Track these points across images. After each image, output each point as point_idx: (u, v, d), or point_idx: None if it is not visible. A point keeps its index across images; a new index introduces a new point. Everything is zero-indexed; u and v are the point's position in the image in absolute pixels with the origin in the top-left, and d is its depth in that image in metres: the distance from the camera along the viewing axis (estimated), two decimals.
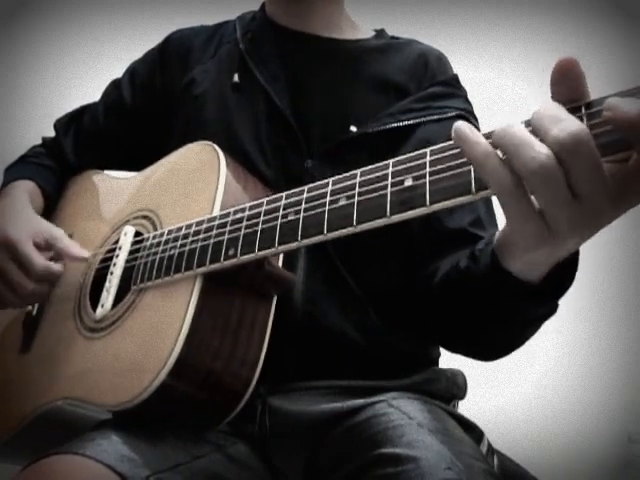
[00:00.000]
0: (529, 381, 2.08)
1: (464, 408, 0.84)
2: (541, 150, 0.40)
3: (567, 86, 0.42)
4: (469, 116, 0.86)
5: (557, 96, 0.43)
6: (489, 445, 0.76)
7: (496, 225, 0.80)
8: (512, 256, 0.53)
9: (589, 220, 0.41)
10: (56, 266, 0.79)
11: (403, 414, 0.68)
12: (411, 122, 0.81)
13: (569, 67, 0.41)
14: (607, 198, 0.40)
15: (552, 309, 0.61)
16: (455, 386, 0.82)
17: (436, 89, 0.86)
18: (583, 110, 0.41)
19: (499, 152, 0.43)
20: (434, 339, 0.82)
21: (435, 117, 0.82)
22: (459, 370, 0.85)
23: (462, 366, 0.86)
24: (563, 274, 0.53)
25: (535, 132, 0.41)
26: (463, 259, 0.66)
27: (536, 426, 2.02)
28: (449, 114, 0.83)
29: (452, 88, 0.88)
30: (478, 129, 0.90)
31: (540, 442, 1.98)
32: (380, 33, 0.96)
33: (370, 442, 0.64)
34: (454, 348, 0.78)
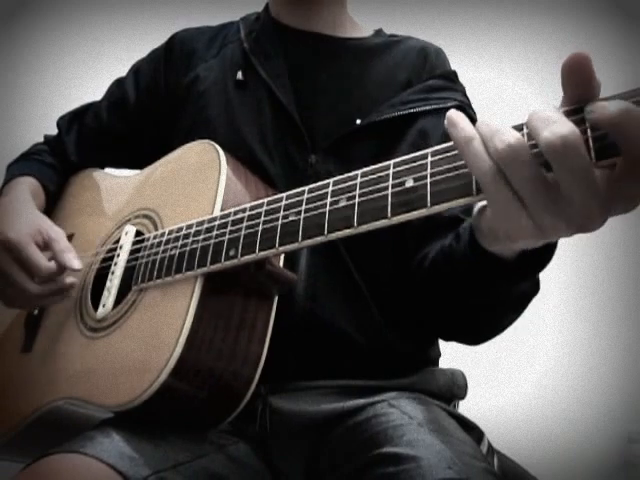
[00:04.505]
0: (529, 381, 2.08)
1: (464, 408, 0.84)
2: (510, 135, 0.41)
3: (577, 84, 0.41)
4: (467, 108, 0.87)
5: (567, 95, 0.42)
6: (489, 445, 0.76)
7: None
8: (493, 242, 0.52)
9: (576, 221, 0.41)
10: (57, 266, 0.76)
11: (403, 414, 0.68)
12: (410, 111, 0.82)
13: (579, 63, 0.40)
14: (596, 203, 0.39)
15: (535, 287, 0.62)
16: (455, 386, 0.82)
17: (435, 82, 0.87)
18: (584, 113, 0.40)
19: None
20: (428, 328, 0.82)
21: (434, 107, 0.83)
22: (459, 370, 0.85)
23: (462, 366, 0.86)
24: (542, 249, 0.52)
25: (530, 134, 0.41)
26: (448, 239, 0.68)
27: (536, 426, 2.02)
28: (447, 104, 0.84)
29: (450, 82, 0.89)
30: (474, 121, 0.91)
31: (540, 442, 1.98)
32: (378, 32, 0.97)
33: (371, 442, 0.64)
34: (443, 333, 0.79)
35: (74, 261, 0.76)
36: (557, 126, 0.38)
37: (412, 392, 0.75)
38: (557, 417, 2.06)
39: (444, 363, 0.87)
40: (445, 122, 0.45)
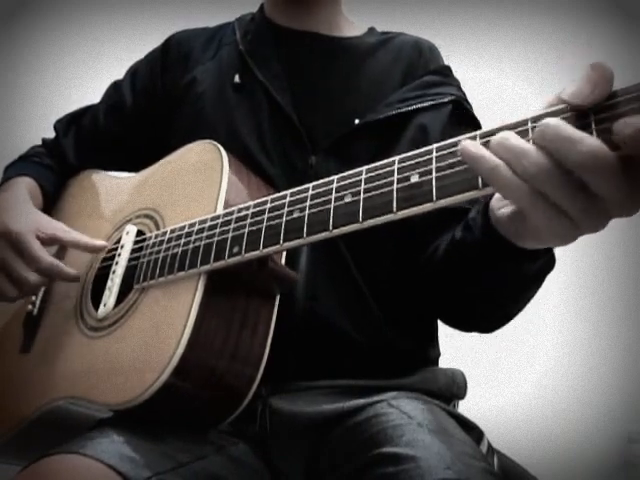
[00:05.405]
0: (529, 381, 2.08)
1: (464, 408, 0.84)
2: (537, 156, 0.41)
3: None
4: (463, 102, 0.87)
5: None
6: (489, 445, 0.76)
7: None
8: (532, 243, 0.52)
9: (616, 214, 0.41)
10: (62, 264, 0.76)
11: (403, 414, 0.68)
12: (408, 109, 0.82)
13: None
14: (632, 197, 0.40)
15: (550, 261, 0.62)
16: (455, 386, 0.82)
17: (430, 78, 0.88)
18: (592, 117, 0.40)
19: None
20: (443, 320, 0.82)
21: (430, 103, 0.84)
22: (459, 370, 0.85)
23: (462, 366, 0.86)
24: None
25: (549, 154, 0.40)
26: (458, 231, 0.68)
27: (536, 426, 2.02)
28: (444, 99, 0.85)
29: (445, 77, 0.90)
30: (472, 115, 0.90)
31: (540, 442, 1.98)
32: (371, 30, 0.97)
33: (370, 442, 0.64)
34: (462, 324, 0.79)
35: (95, 240, 0.78)
36: (583, 145, 0.38)
37: (412, 392, 0.75)
38: (557, 417, 2.06)
39: (444, 363, 0.87)
40: (458, 153, 0.45)
